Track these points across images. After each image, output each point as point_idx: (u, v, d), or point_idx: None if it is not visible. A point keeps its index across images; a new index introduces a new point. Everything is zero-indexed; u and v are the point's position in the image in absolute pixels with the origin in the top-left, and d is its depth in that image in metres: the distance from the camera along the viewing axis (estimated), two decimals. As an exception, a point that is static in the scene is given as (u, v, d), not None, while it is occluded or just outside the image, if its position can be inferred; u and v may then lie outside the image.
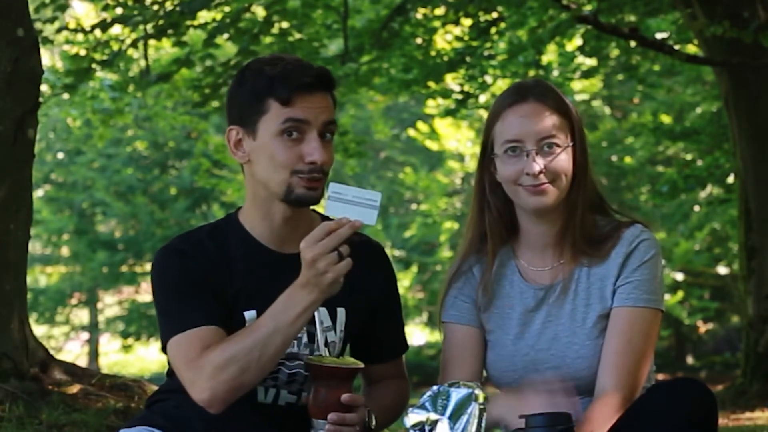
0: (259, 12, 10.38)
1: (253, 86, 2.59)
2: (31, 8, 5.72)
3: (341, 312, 2.70)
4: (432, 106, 15.88)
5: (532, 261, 2.74)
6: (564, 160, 2.66)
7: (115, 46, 10.10)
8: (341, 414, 2.48)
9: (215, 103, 10.96)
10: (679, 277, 19.95)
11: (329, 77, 2.62)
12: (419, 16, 11.12)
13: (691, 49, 11.68)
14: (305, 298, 2.45)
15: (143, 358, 26.38)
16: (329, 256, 2.41)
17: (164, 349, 2.62)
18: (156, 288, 2.66)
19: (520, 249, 2.75)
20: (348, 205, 2.45)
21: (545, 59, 12.49)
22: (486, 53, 11.51)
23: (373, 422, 2.60)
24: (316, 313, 2.60)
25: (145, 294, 24.39)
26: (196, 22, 9.88)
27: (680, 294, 20.05)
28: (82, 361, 24.53)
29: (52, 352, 5.50)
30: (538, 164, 2.64)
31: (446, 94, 12.24)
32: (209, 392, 2.49)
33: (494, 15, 10.87)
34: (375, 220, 2.45)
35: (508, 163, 2.67)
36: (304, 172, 2.57)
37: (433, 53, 11.49)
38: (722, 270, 20.84)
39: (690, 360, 22.09)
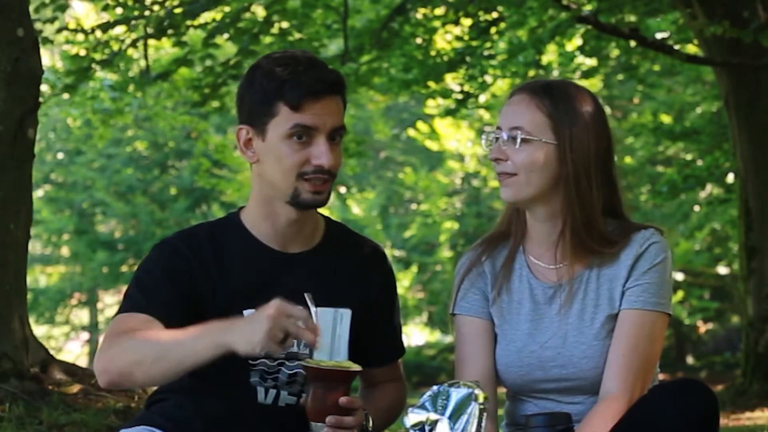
0: (259, 12, 10.39)
1: (263, 88, 2.58)
2: (31, 8, 5.72)
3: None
4: (432, 106, 15.89)
5: (541, 257, 2.74)
6: (529, 155, 2.64)
7: (115, 46, 10.10)
8: (339, 417, 2.47)
9: (215, 103, 10.97)
10: (679, 277, 19.96)
11: (340, 81, 2.61)
12: (419, 16, 11.12)
13: (691, 49, 11.69)
14: (223, 336, 2.35)
15: (143, 358, 26.34)
16: (292, 323, 2.34)
17: None
18: (135, 273, 2.67)
19: (528, 245, 2.75)
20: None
21: (545, 59, 12.49)
22: (486, 53, 11.51)
23: (370, 425, 2.60)
24: (313, 312, 2.60)
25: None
26: (196, 22, 9.88)
27: (680, 294, 20.06)
28: (82, 361, 24.53)
29: (52, 352, 5.49)
30: (495, 152, 2.67)
31: (446, 94, 12.24)
32: (102, 366, 2.47)
33: (494, 15, 10.87)
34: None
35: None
36: (309, 174, 2.57)
37: (433, 53, 11.49)
38: (722, 270, 20.86)
39: (690, 360, 22.10)
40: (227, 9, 10.03)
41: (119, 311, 2.58)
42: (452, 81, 12.19)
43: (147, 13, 9.52)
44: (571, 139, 2.65)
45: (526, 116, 2.66)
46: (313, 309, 2.57)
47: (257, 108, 2.59)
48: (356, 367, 2.53)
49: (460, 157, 22.23)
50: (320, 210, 2.73)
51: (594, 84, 17.69)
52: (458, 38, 11.58)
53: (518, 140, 2.64)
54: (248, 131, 2.62)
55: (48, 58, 15.70)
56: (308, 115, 2.55)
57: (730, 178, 13.22)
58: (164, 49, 14.60)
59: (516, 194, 2.66)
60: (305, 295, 2.55)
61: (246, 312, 2.62)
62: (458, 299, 2.77)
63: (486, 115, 18.97)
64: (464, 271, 2.78)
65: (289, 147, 2.57)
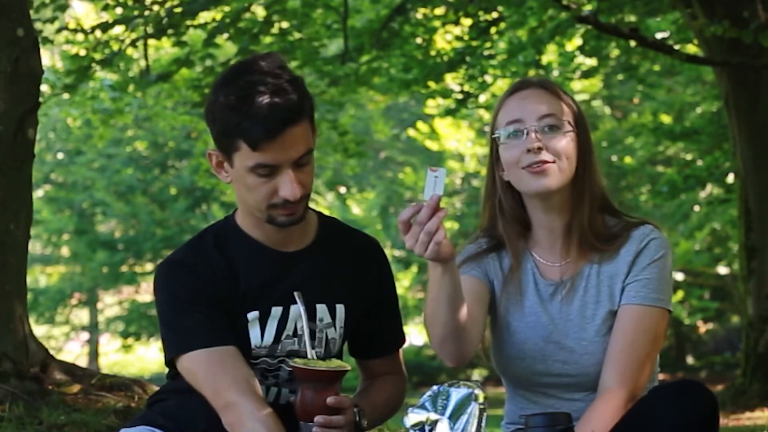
0: (259, 12, 10.38)
1: (223, 123, 2.55)
2: (31, 8, 5.72)
3: (340, 308, 2.71)
4: (432, 106, 15.88)
5: (544, 255, 2.74)
6: (566, 142, 2.65)
7: (115, 46, 10.10)
8: (327, 416, 2.49)
9: (215, 103, 10.94)
10: (679, 277, 19.95)
11: (300, 111, 2.53)
12: (419, 15, 11.12)
13: (691, 49, 11.68)
14: None
15: (143, 358, 26.38)
16: None
17: (170, 362, 2.63)
18: (162, 302, 2.64)
19: (533, 242, 2.76)
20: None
21: (545, 59, 12.48)
22: (486, 53, 11.50)
23: (364, 422, 2.61)
24: (302, 311, 2.60)
25: (145, 294, 24.40)
26: (196, 22, 9.87)
27: (680, 294, 20.05)
28: (82, 361, 24.53)
29: (52, 352, 5.48)
30: (538, 140, 2.63)
31: (446, 94, 12.23)
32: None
33: (494, 15, 10.87)
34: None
35: (510, 147, 2.67)
36: (279, 204, 2.57)
37: (433, 53, 11.48)
38: (722, 270, 20.85)
39: (690, 360, 22.10)
40: (227, 9, 10.02)
41: (185, 348, 2.58)
42: (452, 81, 12.18)
43: (147, 12, 9.51)
44: (585, 131, 2.71)
45: (555, 105, 2.67)
46: (302, 308, 2.57)
47: (221, 139, 2.58)
48: (345, 367, 2.53)
49: (460, 157, 22.22)
50: (314, 206, 2.75)
51: (594, 84, 17.71)
52: (458, 38, 11.57)
53: (556, 130, 2.64)
54: (218, 155, 2.62)
55: (48, 58, 15.69)
56: (269, 154, 2.51)
57: (730, 178, 13.22)
58: (164, 49, 14.59)
59: (558, 181, 2.65)
60: (294, 294, 2.57)
61: (249, 314, 2.63)
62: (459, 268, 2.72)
63: (486, 115, 18.96)
64: (469, 256, 2.77)
65: (255, 179, 2.55)
